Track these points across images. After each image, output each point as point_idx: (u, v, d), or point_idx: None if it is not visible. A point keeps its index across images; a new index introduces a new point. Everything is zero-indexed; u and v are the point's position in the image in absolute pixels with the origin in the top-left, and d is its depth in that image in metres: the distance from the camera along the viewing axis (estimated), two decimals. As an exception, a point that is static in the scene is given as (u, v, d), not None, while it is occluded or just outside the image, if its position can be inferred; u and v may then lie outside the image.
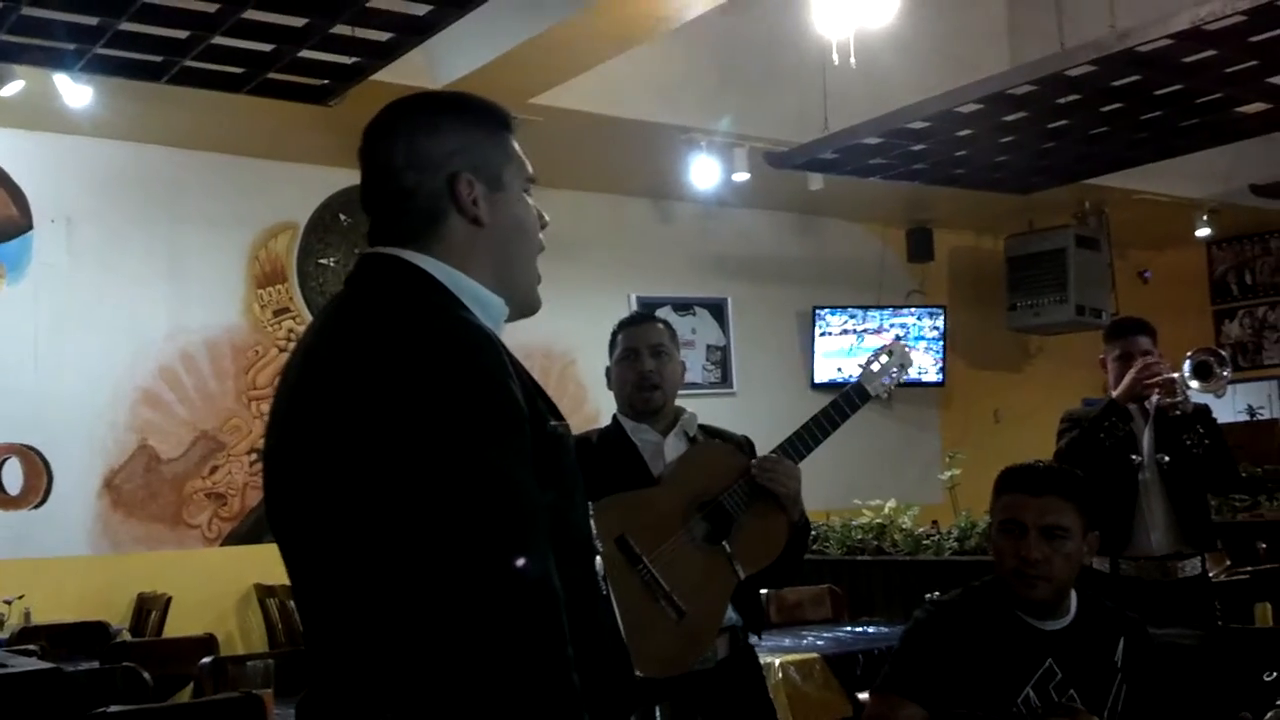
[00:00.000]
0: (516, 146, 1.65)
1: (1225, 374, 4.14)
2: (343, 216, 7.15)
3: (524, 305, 1.64)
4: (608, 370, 3.17)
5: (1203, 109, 6.49)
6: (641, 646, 2.88)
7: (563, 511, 1.47)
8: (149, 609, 6.16)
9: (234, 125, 6.46)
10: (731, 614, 2.96)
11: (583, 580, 1.51)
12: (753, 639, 3.08)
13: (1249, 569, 5.46)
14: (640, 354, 3.04)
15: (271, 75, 5.43)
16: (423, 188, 1.55)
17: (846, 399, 3.05)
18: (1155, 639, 2.67)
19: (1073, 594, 2.54)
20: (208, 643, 4.98)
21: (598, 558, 1.57)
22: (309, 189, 7.17)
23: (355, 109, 5.78)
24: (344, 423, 1.39)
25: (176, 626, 6.00)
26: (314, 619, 1.49)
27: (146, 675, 4.16)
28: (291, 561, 1.51)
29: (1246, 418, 10.33)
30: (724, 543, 2.88)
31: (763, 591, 3.54)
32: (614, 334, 3.16)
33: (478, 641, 1.30)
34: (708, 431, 3.15)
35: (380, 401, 1.38)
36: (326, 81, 5.55)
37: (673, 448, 3.04)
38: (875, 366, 3.14)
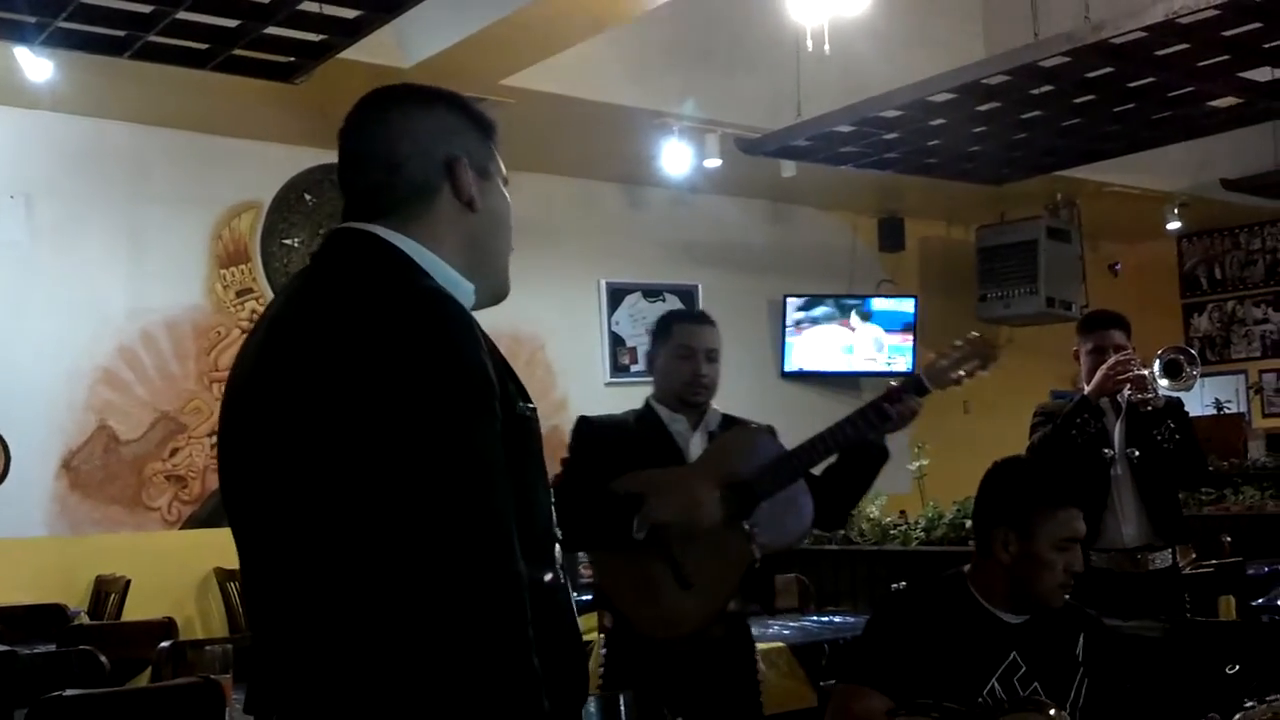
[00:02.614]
0: (495, 149, 1.68)
1: (1195, 372, 4.18)
2: (308, 196, 7.04)
3: (495, 292, 1.64)
4: (650, 355, 3.28)
5: (1174, 102, 6.50)
6: (644, 607, 2.96)
7: (525, 496, 1.45)
8: (107, 592, 6.07)
9: (198, 102, 6.36)
10: (734, 604, 3.05)
11: (541, 566, 1.49)
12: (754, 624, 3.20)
13: (1213, 562, 5.46)
14: (698, 356, 3.18)
15: (237, 52, 5.35)
16: (416, 161, 1.56)
17: (898, 392, 3.06)
18: (1118, 633, 2.67)
19: None
20: (167, 626, 4.92)
21: (556, 545, 1.55)
22: (273, 168, 7.07)
23: (322, 88, 5.70)
24: (313, 397, 1.38)
25: (135, 610, 5.92)
26: (267, 599, 1.46)
27: (104, 659, 4.10)
28: (247, 540, 1.48)
29: (1214, 411, 10.37)
30: (744, 523, 2.97)
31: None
32: (668, 324, 3.27)
33: (441, 618, 1.30)
34: (728, 420, 3.25)
35: (352, 375, 1.36)
36: (293, 59, 5.46)
37: (697, 443, 3.17)
38: (946, 361, 3.12)
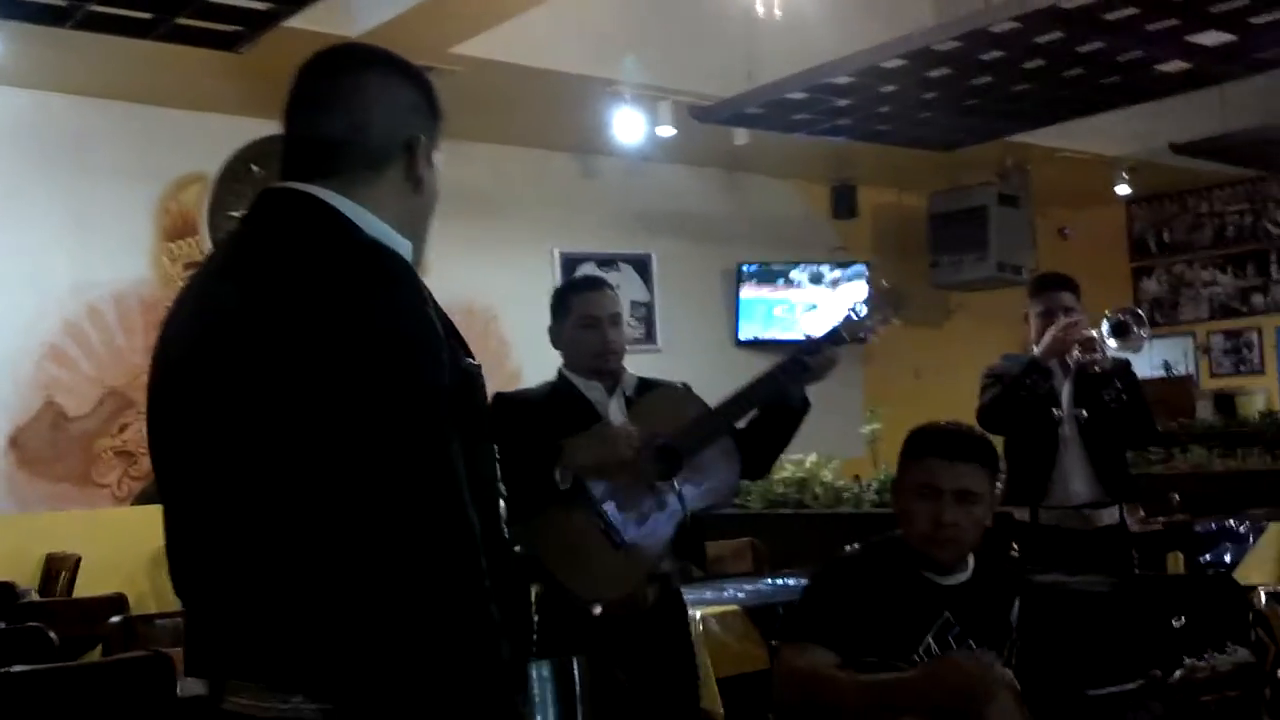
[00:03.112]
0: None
1: (1143, 333, 4.23)
2: (255, 168, 6.96)
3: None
4: (552, 330, 3.23)
5: (1123, 67, 6.53)
6: (578, 570, 2.97)
7: (470, 450, 1.46)
8: (58, 570, 6.01)
9: (142, 73, 6.27)
10: (667, 563, 3.05)
11: (487, 522, 1.49)
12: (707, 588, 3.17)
13: (1162, 519, 5.54)
14: (602, 323, 3.15)
15: (180, 21, 5.27)
16: (381, 129, 1.56)
17: (816, 344, 3.11)
18: (1060, 596, 2.71)
19: (972, 555, 2.61)
20: (117, 602, 4.87)
21: (501, 501, 1.54)
22: (220, 139, 6.98)
23: (268, 57, 5.62)
24: (265, 351, 1.37)
25: (86, 587, 5.85)
26: (213, 558, 1.44)
27: (53, 635, 4.06)
28: (187, 499, 1.46)
29: (1163, 373, 10.52)
30: (672, 480, 2.99)
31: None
32: (562, 296, 3.24)
33: (399, 568, 1.31)
34: (645, 383, 3.24)
35: (304, 330, 1.36)
36: (238, 28, 5.39)
37: (615, 409, 3.15)
38: (860, 310, 3.18)
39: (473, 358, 1.52)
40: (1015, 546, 4.00)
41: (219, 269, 1.53)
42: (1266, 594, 3.78)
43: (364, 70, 1.58)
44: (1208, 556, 5.97)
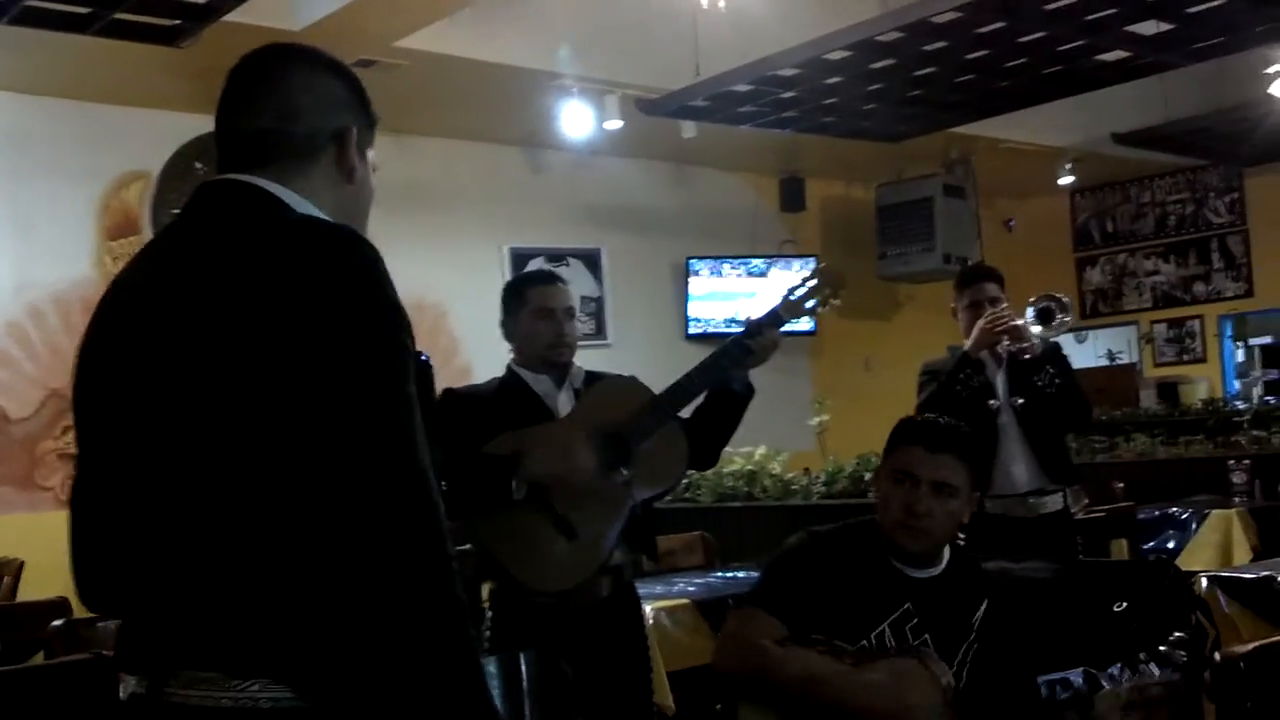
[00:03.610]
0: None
1: (1065, 318, 4.29)
2: (199, 165, 6.87)
3: None
4: (505, 323, 3.24)
5: (1064, 56, 6.59)
6: (531, 563, 2.97)
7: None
8: (0, 575, 5.92)
9: (80, 69, 6.18)
10: (620, 553, 3.06)
11: None
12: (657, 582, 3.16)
13: (1106, 507, 5.60)
14: (557, 315, 3.18)
15: (119, 15, 5.20)
16: (310, 118, 1.57)
17: (757, 326, 3.11)
18: (1025, 602, 2.71)
19: (947, 549, 2.60)
20: (60, 606, 4.79)
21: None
22: (162, 136, 6.89)
23: (209, 51, 5.57)
24: (234, 328, 1.37)
25: (30, 591, 5.76)
26: (158, 544, 1.41)
27: (-6, 640, 4.00)
28: (132, 481, 1.43)
29: (1107, 362, 10.64)
30: (621, 469, 3.00)
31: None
32: (516, 289, 3.24)
33: (372, 547, 1.31)
34: (592, 376, 3.25)
35: (258, 305, 1.36)
36: (178, 22, 5.32)
37: (564, 401, 3.17)
38: (801, 292, 3.18)
39: (420, 352, 1.52)
40: (961, 536, 4.03)
41: (162, 254, 1.52)
42: (1207, 579, 3.84)
43: (289, 64, 1.60)
44: (1151, 543, 6.05)
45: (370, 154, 1.65)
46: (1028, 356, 4.20)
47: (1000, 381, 4.30)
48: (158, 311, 1.44)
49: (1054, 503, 4.27)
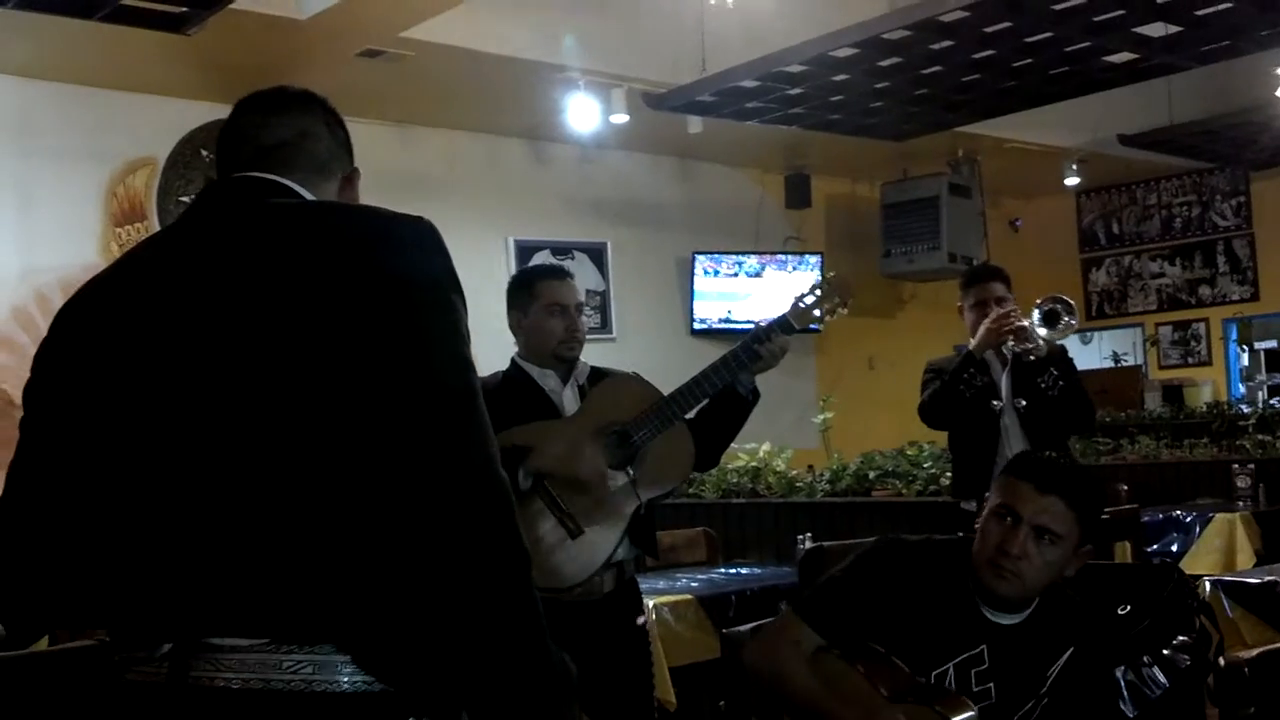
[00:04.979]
0: None
1: (1071, 321, 4.27)
2: (205, 152, 6.86)
3: None
4: (512, 316, 3.23)
5: (1071, 57, 6.59)
6: (535, 560, 2.94)
7: None
8: (2, 560, 5.92)
9: (88, 55, 6.16)
10: (622, 550, 3.06)
11: None
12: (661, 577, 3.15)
13: (1110, 510, 5.58)
14: (569, 311, 3.18)
15: (126, 2, 5.18)
16: (328, 148, 1.62)
17: (765, 332, 3.11)
18: (1115, 655, 2.59)
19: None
20: (63, 593, 4.80)
21: None
22: (169, 123, 6.88)
23: (216, 39, 5.56)
24: (284, 314, 1.36)
25: (32, 577, 5.78)
26: (219, 514, 1.34)
27: (-3, 627, 3.99)
28: (192, 459, 1.36)
29: (1111, 364, 10.63)
30: (627, 468, 3.02)
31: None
32: (526, 283, 3.23)
33: (455, 526, 1.31)
34: (597, 372, 3.25)
35: (339, 280, 1.37)
36: (185, 9, 5.30)
37: (570, 397, 3.17)
38: (809, 300, 3.19)
39: None
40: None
41: (196, 241, 1.47)
42: (1211, 583, 3.83)
43: (308, 101, 1.65)
44: (1155, 546, 6.04)
45: None
46: (1033, 358, 4.19)
47: (1004, 382, 4.29)
48: (206, 298, 1.40)
49: None
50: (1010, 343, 4.21)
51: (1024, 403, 4.24)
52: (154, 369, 1.39)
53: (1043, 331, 4.22)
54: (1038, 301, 4.29)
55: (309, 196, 1.54)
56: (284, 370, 1.34)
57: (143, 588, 1.36)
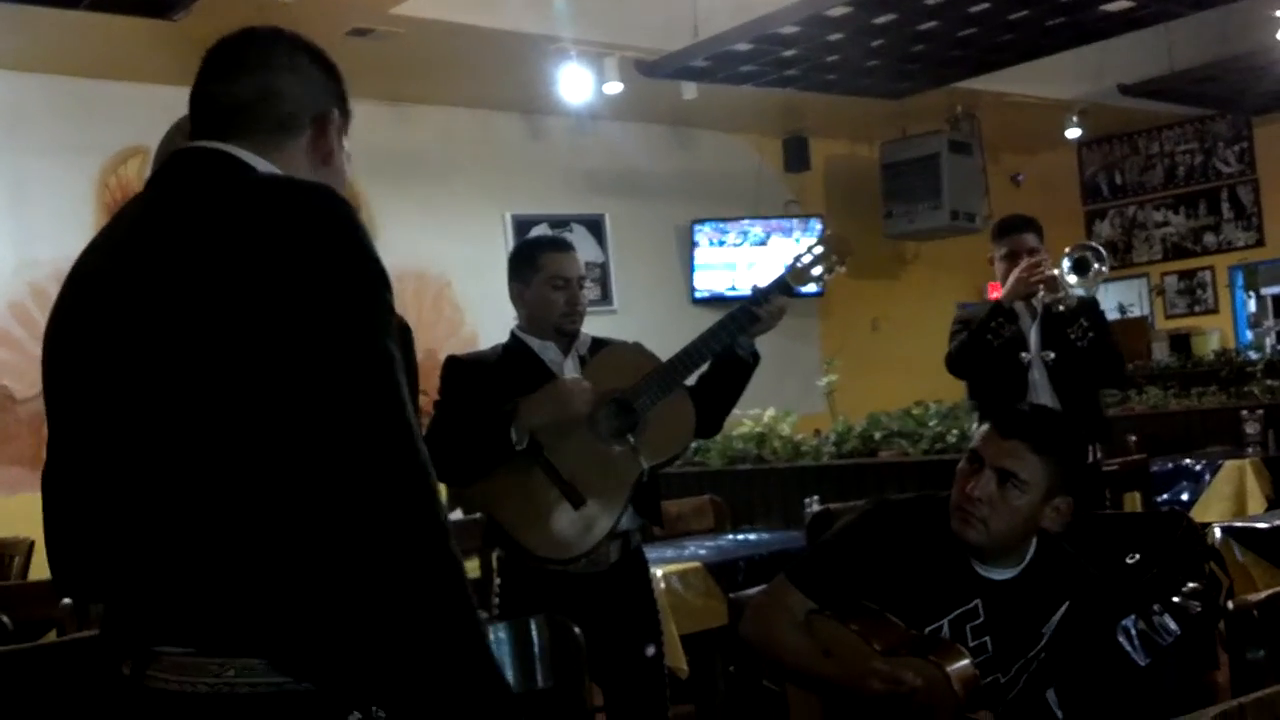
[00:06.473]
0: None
1: (1103, 268, 4.19)
2: (196, 138, 6.85)
3: None
4: (514, 288, 3.20)
5: (1068, 8, 6.52)
6: (538, 531, 2.97)
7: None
8: (10, 555, 5.91)
9: (74, 45, 6.14)
10: (627, 519, 3.06)
11: None
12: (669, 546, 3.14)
13: (1119, 460, 5.57)
14: (572, 283, 3.15)
15: (109, -12, 5.16)
16: (293, 100, 1.56)
17: (764, 293, 3.08)
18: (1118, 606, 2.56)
19: (1032, 546, 2.40)
20: (71, 585, 4.80)
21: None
22: (160, 111, 6.68)
23: (202, 23, 5.51)
24: (219, 294, 1.33)
25: (41, 571, 5.76)
26: (137, 521, 1.37)
27: (6, 619, 4.00)
28: (105, 468, 1.40)
29: (1118, 315, 10.59)
30: (628, 435, 3.01)
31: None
32: (532, 254, 3.20)
33: (366, 512, 1.28)
34: (598, 343, 3.23)
35: (239, 271, 1.33)
36: (170, -7, 5.28)
37: (571, 369, 3.15)
38: (806, 259, 3.16)
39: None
40: None
41: (130, 225, 1.47)
42: (1220, 530, 3.81)
43: (274, 45, 1.58)
44: (1165, 495, 6.02)
45: (345, 141, 1.64)
46: (1062, 308, 4.13)
47: (1034, 334, 4.23)
48: (127, 286, 1.40)
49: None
50: (1041, 293, 4.17)
51: (1052, 355, 4.18)
52: (86, 363, 1.44)
53: (1073, 279, 4.16)
54: (1067, 250, 4.23)
55: (261, 165, 1.49)
56: (187, 368, 1.33)
57: (109, 585, 1.44)
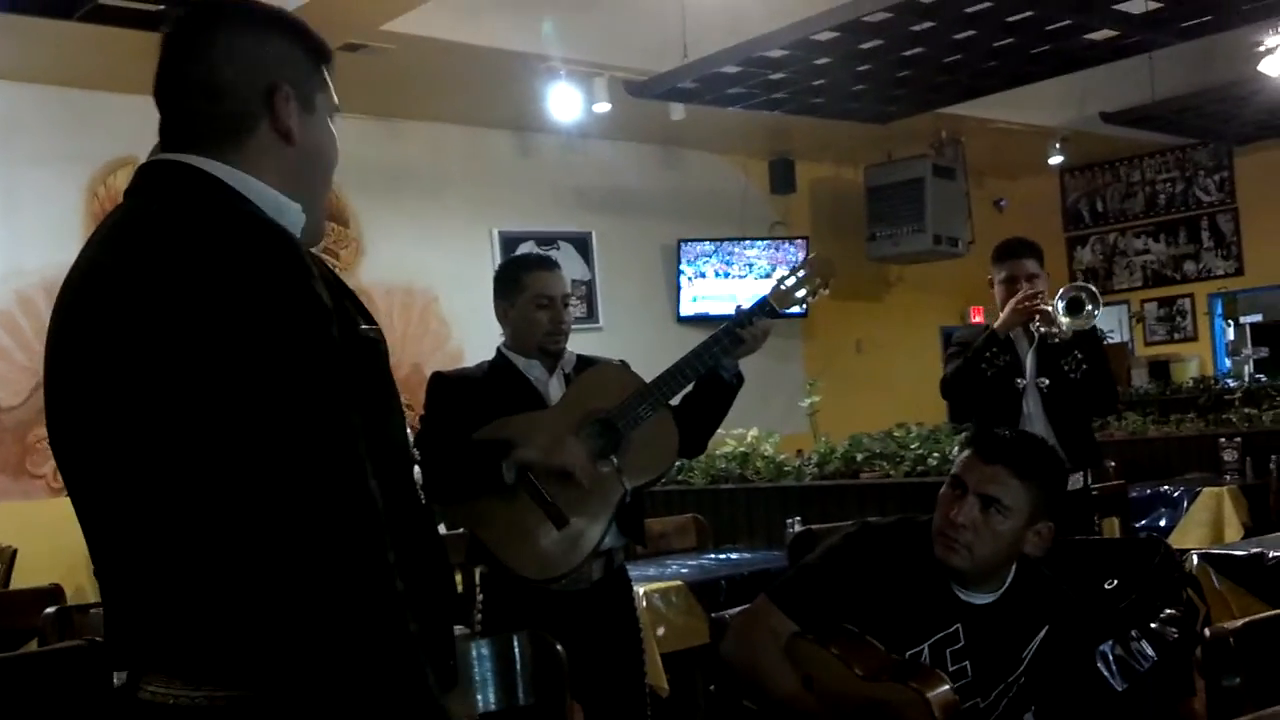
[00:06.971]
0: (330, 80, 1.59)
1: (1095, 311, 4.21)
2: (186, 150, 6.86)
3: (313, 230, 1.56)
4: (499, 306, 3.22)
5: (1052, 35, 6.59)
6: (521, 550, 2.98)
7: (378, 419, 1.43)
8: (-8, 562, 5.90)
9: (66, 55, 6.15)
10: (610, 538, 3.07)
11: (401, 489, 1.47)
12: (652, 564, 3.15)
13: (1098, 486, 5.60)
14: (557, 303, 3.17)
15: (103, 1, 5.17)
16: (237, 90, 1.48)
17: (747, 315, 3.11)
18: (1094, 630, 2.56)
19: (1012, 571, 2.42)
20: (54, 594, 4.78)
21: (415, 467, 1.53)
22: (149, 121, 6.69)
23: (195, 36, 5.53)
24: (139, 337, 1.33)
25: (24, 579, 5.75)
26: (112, 546, 1.42)
27: (-14, 629, 3.99)
28: (86, 489, 1.43)
29: (1097, 341, 10.65)
30: (612, 456, 3.02)
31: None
32: (514, 275, 3.22)
33: (299, 547, 1.28)
34: (583, 360, 3.25)
35: (177, 311, 1.32)
36: (161, 7, 5.30)
37: (556, 387, 3.17)
38: (790, 281, 3.17)
39: (373, 324, 1.49)
40: None
41: (98, 250, 1.46)
42: (1198, 556, 3.85)
43: (213, 31, 1.50)
44: (1143, 521, 6.07)
45: (322, 97, 1.56)
46: (1057, 339, 4.18)
47: (1029, 360, 4.25)
48: (94, 315, 1.39)
49: (1074, 481, 4.23)
50: (1036, 321, 4.20)
51: (1047, 382, 4.20)
52: (59, 378, 1.45)
53: (1065, 320, 4.19)
54: (1061, 290, 4.28)
55: (221, 171, 1.46)
56: (139, 405, 1.33)
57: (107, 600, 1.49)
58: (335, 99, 1.59)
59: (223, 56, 1.48)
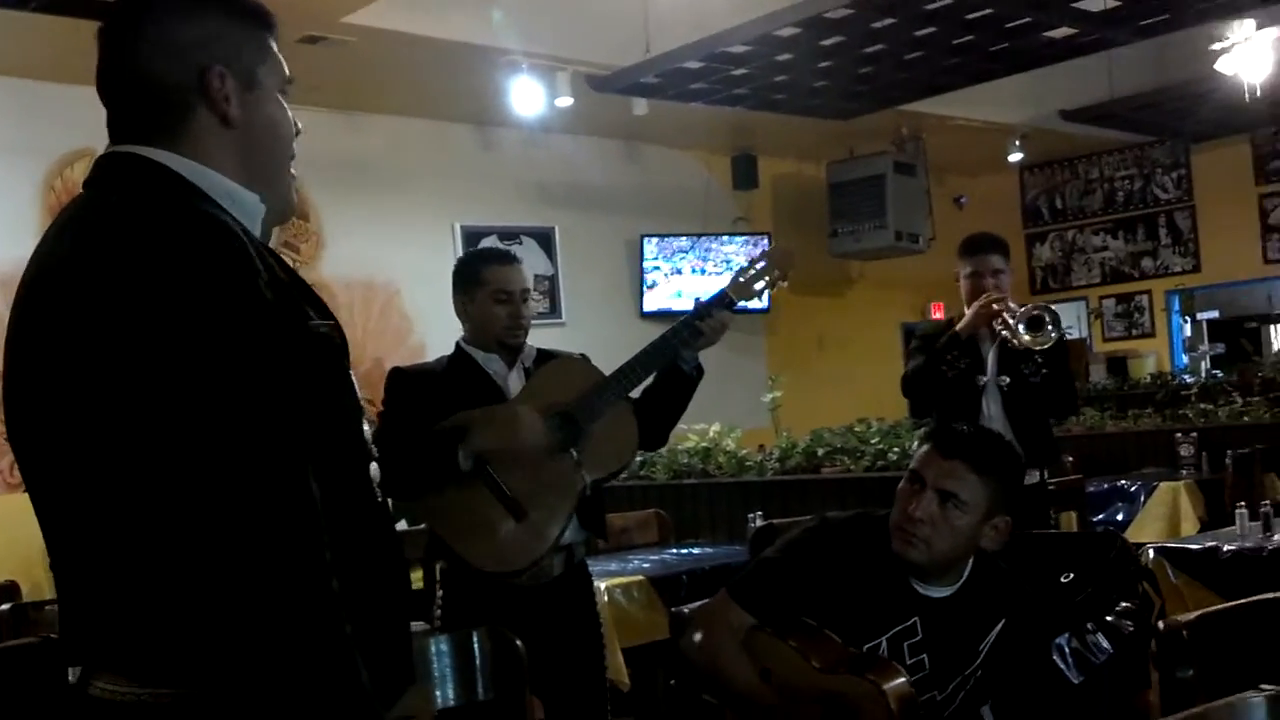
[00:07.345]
0: (275, 47, 1.57)
1: (1054, 333, 4.21)
2: (144, 143, 6.80)
3: (279, 209, 1.56)
4: (458, 300, 3.21)
5: (1012, 33, 6.64)
6: (479, 543, 2.97)
7: (332, 415, 1.43)
8: (-55, 559, 5.83)
9: (21, 45, 6.07)
10: (571, 532, 3.06)
11: (356, 484, 1.47)
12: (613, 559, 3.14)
13: (1055, 480, 5.65)
14: (515, 298, 3.16)
15: (58, -10, 5.12)
16: (169, 77, 1.46)
17: (706, 308, 3.10)
18: (1051, 623, 2.57)
19: (969, 565, 2.45)
20: (8, 590, 4.74)
21: (373, 463, 1.52)
22: (105, 113, 6.77)
23: (152, 28, 5.48)
24: (81, 334, 1.33)
25: (-23, 576, 5.70)
26: (63, 545, 1.42)
27: (-60, 627, 3.94)
28: (38, 486, 1.42)
29: (1056, 338, 10.74)
30: (571, 450, 3.00)
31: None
32: (473, 269, 3.21)
33: (235, 548, 1.27)
34: (543, 355, 3.24)
35: (118, 309, 1.31)
36: (118, -3, 5.24)
37: (515, 381, 3.16)
38: (749, 274, 3.17)
39: (329, 318, 1.47)
40: None
41: (51, 244, 1.44)
42: (1154, 550, 3.89)
43: (142, 17, 1.49)
44: (1101, 515, 6.12)
45: (265, 71, 1.53)
46: (1016, 345, 4.18)
47: (991, 358, 4.27)
48: (42, 314, 1.40)
49: (1030, 476, 4.25)
50: (998, 324, 4.21)
51: (1007, 380, 4.22)
52: (10, 373, 1.44)
53: (1026, 337, 4.20)
54: (1024, 307, 4.28)
55: (173, 161, 1.45)
56: (71, 409, 1.34)
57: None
58: (285, 68, 1.57)
59: (151, 46, 1.47)
